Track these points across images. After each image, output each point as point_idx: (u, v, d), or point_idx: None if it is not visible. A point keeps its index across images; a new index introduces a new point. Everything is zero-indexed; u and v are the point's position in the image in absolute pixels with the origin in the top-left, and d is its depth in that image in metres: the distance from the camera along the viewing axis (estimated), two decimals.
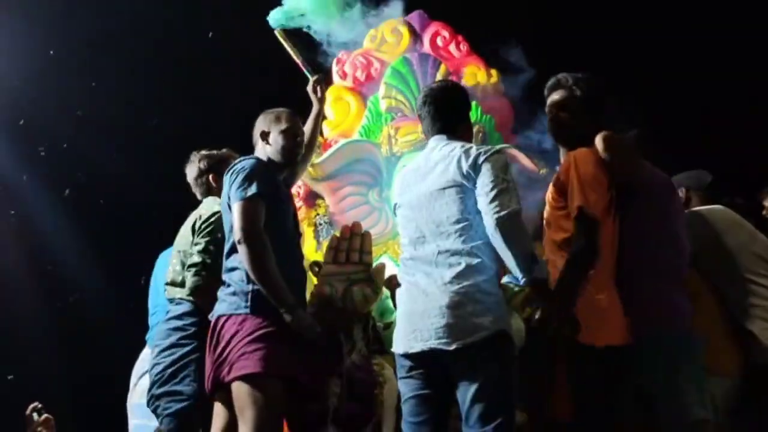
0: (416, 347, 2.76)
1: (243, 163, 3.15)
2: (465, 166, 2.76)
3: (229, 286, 3.10)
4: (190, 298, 3.48)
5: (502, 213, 2.66)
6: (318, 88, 3.61)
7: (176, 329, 3.48)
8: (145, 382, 3.69)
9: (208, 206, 3.66)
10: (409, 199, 2.91)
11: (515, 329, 3.90)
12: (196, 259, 3.45)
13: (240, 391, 2.94)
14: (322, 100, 3.62)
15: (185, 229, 3.78)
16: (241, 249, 2.99)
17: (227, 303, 3.07)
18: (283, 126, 3.25)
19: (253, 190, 3.03)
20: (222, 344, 3.01)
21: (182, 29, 6.41)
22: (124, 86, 6.57)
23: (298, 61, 3.76)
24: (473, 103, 4.63)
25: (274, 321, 2.99)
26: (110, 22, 6.55)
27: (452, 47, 5.00)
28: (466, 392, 2.70)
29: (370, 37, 5.03)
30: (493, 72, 4.95)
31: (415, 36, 5.01)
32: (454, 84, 3.24)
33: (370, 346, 3.61)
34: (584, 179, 2.79)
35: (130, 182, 6.57)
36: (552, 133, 3.10)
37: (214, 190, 3.77)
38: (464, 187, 2.77)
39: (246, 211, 3.01)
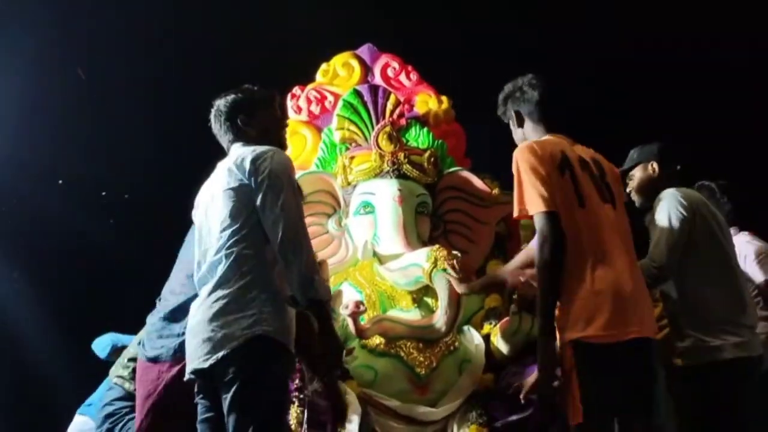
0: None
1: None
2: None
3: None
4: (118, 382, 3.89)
5: None
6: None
7: (108, 415, 3.85)
8: None
9: None
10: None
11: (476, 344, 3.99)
12: None
13: None
14: None
15: None
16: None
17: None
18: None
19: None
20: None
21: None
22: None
23: None
24: (424, 130, 4.77)
25: None
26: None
27: (402, 77, 5.13)
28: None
29: (323, 72, 5.17)
30: (444, 98, 5.08)
31: (366, 68, 5.13)
32: (238, 91, 3.31)
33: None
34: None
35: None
36: None
37: None
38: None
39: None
